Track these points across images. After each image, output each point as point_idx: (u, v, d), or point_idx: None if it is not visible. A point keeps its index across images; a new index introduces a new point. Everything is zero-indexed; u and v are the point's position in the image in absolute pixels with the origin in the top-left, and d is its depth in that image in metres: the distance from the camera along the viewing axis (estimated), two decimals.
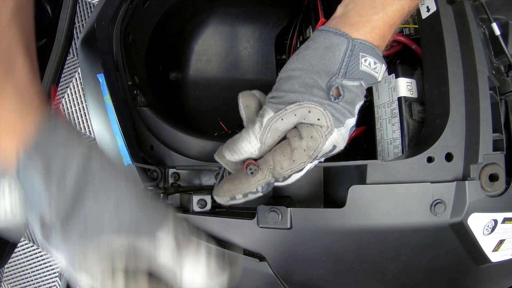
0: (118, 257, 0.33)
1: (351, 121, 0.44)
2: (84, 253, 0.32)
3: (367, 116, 0.75)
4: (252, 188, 0.44)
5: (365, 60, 0.42)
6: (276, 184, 0.46)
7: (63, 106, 1.59)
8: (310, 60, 0.42)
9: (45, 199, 0.32)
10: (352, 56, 0.41)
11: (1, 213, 0.33)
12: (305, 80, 0.42)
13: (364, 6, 0.43)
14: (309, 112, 0.41)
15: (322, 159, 0.46)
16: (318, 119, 0.41)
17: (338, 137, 0.43)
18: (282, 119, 0.42)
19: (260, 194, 0.45)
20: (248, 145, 0.44)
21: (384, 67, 0.44)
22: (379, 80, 0.44)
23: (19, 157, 0.32)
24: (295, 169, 0.43)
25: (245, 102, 0.48)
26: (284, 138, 0.44)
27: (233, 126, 0.95)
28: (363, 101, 0.45)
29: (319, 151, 0.42)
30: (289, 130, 0.43)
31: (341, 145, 0.44)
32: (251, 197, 0.45)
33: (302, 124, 0.42)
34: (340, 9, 0.45)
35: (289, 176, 0.45)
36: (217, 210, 0.58)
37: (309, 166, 0.45)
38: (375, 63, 0.43)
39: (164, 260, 0.34)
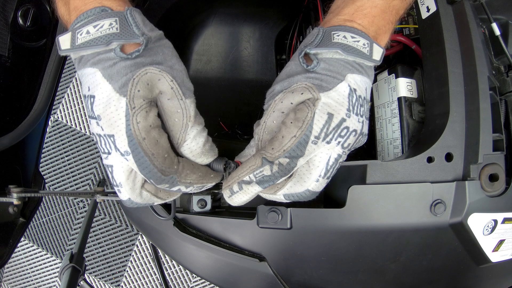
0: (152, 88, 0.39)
1: (344, 87, 0.40)
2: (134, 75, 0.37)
3: None
4: (244, 175, 0.41)
5: (338, 35, 0.41)
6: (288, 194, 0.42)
7: (63, 106, 1.59)
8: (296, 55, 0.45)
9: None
10: (325, 35, 0.42)
11: None
12: (286, 70, 0.43)
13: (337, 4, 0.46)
14: (292, 92, 0.41)
15: (346, 151, 0.42)
16: (302, 93, 0.40)
17: (330, 101, 0.39)
18: (276, 108, 0.42)
19: (256, 186, 0.42)
20: (249, 149, 0.46)
21: (377, 46, 0.42)
22: (373, 56, 0.42)
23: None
24: (289, 146, 0.39)
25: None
26: None
27: (233, 126, 0.95)
28: (364, 87, 0.43)
29: (308, 122, 0.38)
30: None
31: (339, 111, 0.39)
32: (248, 189, 0.42)
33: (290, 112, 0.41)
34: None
35: (292, 166, 0.40)
36: (217, 210, 0.58)
37: (322, 157, 0.40)
38: (353, 37, 0.41)
39: (179, 118, 0.40)
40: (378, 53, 0.42)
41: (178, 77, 0.40)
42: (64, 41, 0.38)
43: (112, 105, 0.37)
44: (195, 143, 0.42)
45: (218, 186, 0.60)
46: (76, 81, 1.60)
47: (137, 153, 0.37)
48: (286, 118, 0.41)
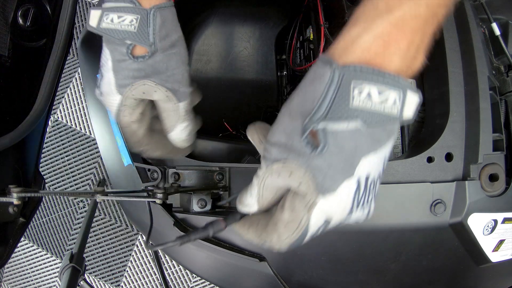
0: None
1: (350, 186, 0.32)
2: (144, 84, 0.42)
3: None
4: (258, 241, 0.39)
5: (360, 91, 0.30)
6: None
7: (63, 106, 1.59)
8: (293, 99, 0.34)
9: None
10: (340, 88, 0.30)
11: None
12: (287, 127, 0.33)
13: (364, 12, 0.32)
14: (290, 175, 0.32)
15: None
16: (300, 184, 0.32)
17: (329, 207, 0.32)
18: (270, 178, 0.34)
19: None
20: (249, 198, 0.38)
21: (411, 95, 0.31)
22: (402, 117, 0.31)
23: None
24: (286, 243, 0.36)
25: (249, 136, 0.41)
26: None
27: (233, 126, 0.95)
28: (381, 156, 0.33)
29: (303, 226, 0.34)
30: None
31: (339, 217, 0.33)
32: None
33: (291, 190, 0.35)
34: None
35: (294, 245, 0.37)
36: (217, 210, 0.58)
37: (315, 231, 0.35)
38: (380, 92, 0.30)
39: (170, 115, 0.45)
40: (411, 107, 0.31)
41: (175, 85, 0.44)
42: (93, 18, 0.42)
43: (111, 95, 0.44)
44: (179, 135, 0.48)
45: (218, 187, 0.60)
46: (76, 81, 1.60)
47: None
48: (277, 213, 0.36)
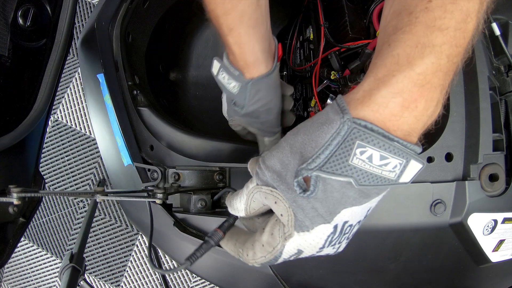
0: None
1: (325, 229, 0.34)
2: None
3: None
4: (234, 254, 0.42)
5: (362, 152, 0.30)
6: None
7: (63, 106, 1.59)
8: (299, 133, 0.34)
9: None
10: (343, 143, 0.30)
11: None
12: (284, 158, 0.34)
13: (383, 61, 0.31)
14: (275, 203, 0.35)
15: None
16: (281, 215, 0.35)
17: (302, 242, 0.35)
18: (259, 195, 0.37)
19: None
20: (238, 203, 0.41)
21: (414, 163, 0.31)
22: (400, 180, 0.31)
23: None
24: (260, 261, 0.38)
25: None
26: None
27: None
28: (358, 219, 0.35)
29: (277, 251, 0.36)
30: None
31: (309, 251, 0.36)
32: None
33: (274, 214, 0.37)
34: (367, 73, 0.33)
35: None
36: (217, 210, 0.58)
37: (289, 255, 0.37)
38: (382, 158, 0.30)
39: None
40: (411, 174, 0.32)
41: (262, 128, 0.60)
42: (215, 67, 0.59)
43: (227, 117, 0.62)
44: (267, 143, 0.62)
45: (218, 187, 0.60)
46: (76, 81, 1.60)
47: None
48: (259, 234, 0.38)
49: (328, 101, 0.69)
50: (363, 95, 0.31)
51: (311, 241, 0.34)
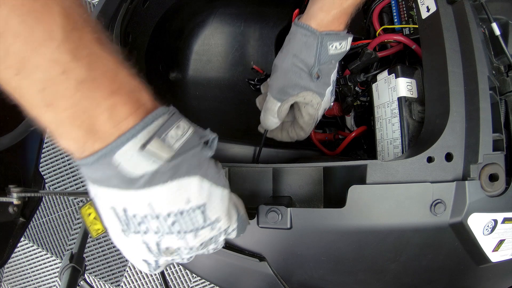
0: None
1: (329, 89, 0.63)
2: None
3: (367, 116, 0.75)
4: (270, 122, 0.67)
5: (332, 46, 0.58)
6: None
7: None
8: (294, 53, 0.59)
9: None
10: (322, 48, 0.58)
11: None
12: (295, 73, 0.60)
13: (324, 3, 0.57)
14: (304, 98, 0.62)
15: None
16: (311, 100, 0.62)
17: (324, 103, 0.64)
18: (286, 104, 0.63)
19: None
20: (272, 119, 0.65)
21: (349, 39, 0.60)
22: (347, 49, 0.61)
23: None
24: (308, 134, 0.68)
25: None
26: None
27: (233, 126, 0.95)
28: (336, 70, 0.63)
29: (316, 120, 0.66)
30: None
31: (327, 106, 0.66)
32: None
33: (301, 103, 0.64)
34: (308, 5, 0.60)
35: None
36: None
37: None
38: (340, 43, 0.59)
39: None
40: (349, 43, 0.61)
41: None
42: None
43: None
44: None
45: None
46: None
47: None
48: (299, 119, 0.66)
49: None
50: (319, 20, 0.59)
51: (326, 99, 0.65)
